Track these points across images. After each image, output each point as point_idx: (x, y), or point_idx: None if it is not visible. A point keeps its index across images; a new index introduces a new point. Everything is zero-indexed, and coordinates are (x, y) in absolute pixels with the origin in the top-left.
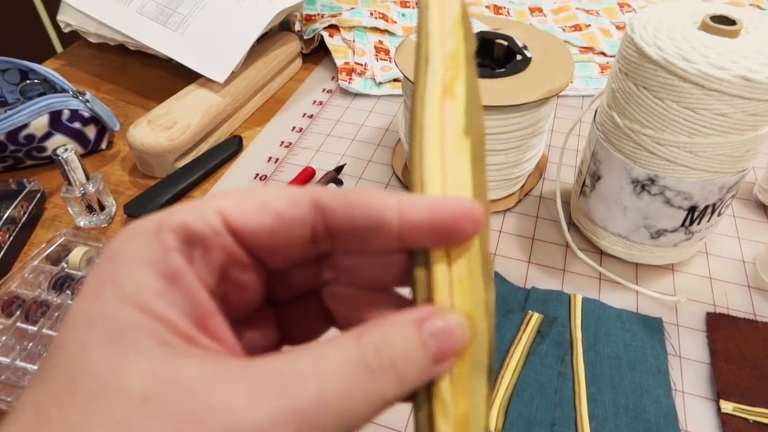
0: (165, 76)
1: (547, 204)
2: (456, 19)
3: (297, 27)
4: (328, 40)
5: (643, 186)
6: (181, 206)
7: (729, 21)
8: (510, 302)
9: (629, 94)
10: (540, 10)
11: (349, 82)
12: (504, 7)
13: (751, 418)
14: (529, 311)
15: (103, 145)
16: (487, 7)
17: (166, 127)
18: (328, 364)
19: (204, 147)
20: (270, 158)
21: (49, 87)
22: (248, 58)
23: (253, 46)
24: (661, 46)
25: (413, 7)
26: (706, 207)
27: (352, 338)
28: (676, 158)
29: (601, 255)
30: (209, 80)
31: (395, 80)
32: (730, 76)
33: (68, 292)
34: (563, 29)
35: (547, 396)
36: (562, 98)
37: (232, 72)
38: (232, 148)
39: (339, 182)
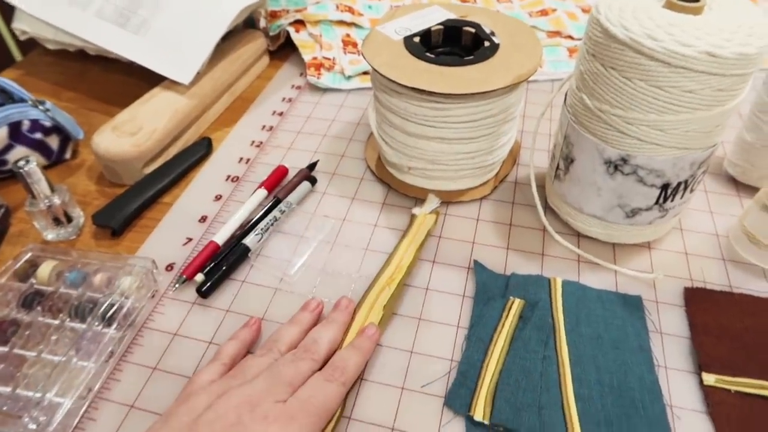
0: (128, 80)
1: (523, 189)
2: (416, 245)
3: (262, 24)
4: (294, 36)
5: (615, 166)
6: None
7: None
8: (491, 290)
9: (597, 75)
10: None
11: (317, 78)
12: None
13: (733, 388)
14: (510, 297)
15: (68, 155)
16: None
17: (131, 133)
18: None
19: (173, 151)
20: (241, 159)
21: (7, 97)
22: (213, 57)
23: (217, 45)
24: (626, 26)
25: None
26: (679, 184)
27: None
28: (646, 137)
29: (578, 237)
30: (174, 82)
31: (364, 73)
32: (696, 52)
33: (38, 309)
34: (530, 14)
35: (533, 380)
36: (532, 83)
37: (197, 73)
38: (201, 150)
39: (313, 179)
